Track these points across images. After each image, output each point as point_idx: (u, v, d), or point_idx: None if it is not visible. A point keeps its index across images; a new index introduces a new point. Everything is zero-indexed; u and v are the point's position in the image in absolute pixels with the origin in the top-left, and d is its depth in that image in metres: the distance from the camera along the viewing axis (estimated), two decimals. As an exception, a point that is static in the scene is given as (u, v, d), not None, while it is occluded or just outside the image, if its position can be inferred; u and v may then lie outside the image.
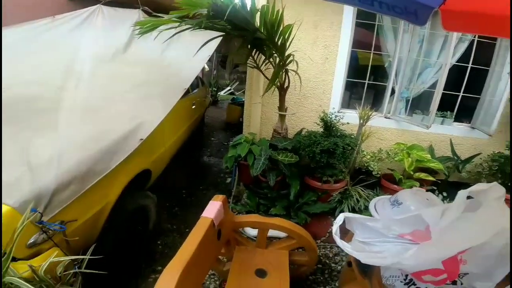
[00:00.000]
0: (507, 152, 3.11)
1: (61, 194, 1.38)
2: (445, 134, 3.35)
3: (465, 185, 1.10)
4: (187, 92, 2.59)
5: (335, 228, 1.19)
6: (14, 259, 1.24)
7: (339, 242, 1.13)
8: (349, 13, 3.04)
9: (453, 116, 3.35)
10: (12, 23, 2.64)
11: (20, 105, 1.81)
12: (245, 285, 1.65)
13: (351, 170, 3.07)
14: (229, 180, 3.80)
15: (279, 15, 2.17)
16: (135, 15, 3.04)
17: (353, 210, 2.77)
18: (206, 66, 8.74)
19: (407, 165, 2.83)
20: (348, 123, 3.08)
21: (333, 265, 2.33)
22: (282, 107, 2.81)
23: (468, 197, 1.02)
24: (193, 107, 3.84)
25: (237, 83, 10.40)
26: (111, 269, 1.55)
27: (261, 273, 1.74)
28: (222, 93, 9.57)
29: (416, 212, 1.09)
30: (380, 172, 3.01)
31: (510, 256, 0.95)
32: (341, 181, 2.89)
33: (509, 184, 2.83)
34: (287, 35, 2.34)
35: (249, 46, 2.47)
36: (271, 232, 1.91)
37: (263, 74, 2.75)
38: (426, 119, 3.09)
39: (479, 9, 1.41)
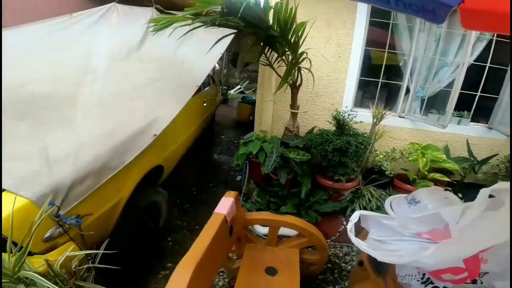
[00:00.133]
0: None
1: (77, 188, 1.40)
2: (461, 134, 3.27)
3: (481, 186, 1.07)
4: (198, 90, 2.61)
5: (350, 225, 1.18)
6: (30, 254, 1.23)
7: (354, 239, 1.12)
8: (363, 12, 3.01)
9: (470, 116, 3.26)
10: (32, 20, 2.70)
11: (38, 101, 1.85)
12: (255, 282, 1.64)
13: (363, 169, 3.03)
14: (239, 178, 3.81)
15: (293, 12, 2.16)
16: (149, 13, 3.08)
17: (365, 210, 2.72)
18: (217, 65, 8.77)
19: (422, 165, 2.77)
20: (361, 121, 3.04)
21: (343, 264, 2.31)
22: (294, 105, 2.79)
23: (490, 196, 0.99)
24: (204, 104, 3.86)
25: (247, 82, 10.41)
26: (123, 265, 1.57)
27: (271, 271, 1.73)
28: (232, 91, 9.59)
29: (434, 210, 1.07)
30: (393, 172, 2.96)
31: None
32: (353, 180, 2.85)
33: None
34: (300, 32, 2.32)
35: (261, 44, 2.47)
36: (281, 231, 1.91)
37: (276, 72, 2.74)
38: (442, 118, 3.03)
39: (499, 8, 1.38)
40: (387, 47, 3.19)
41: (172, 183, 2.88)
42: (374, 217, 1.19)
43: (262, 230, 2.36)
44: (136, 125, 1.86)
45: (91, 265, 1.42)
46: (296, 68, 2.54)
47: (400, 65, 3.32)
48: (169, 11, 2.42)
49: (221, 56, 2.88)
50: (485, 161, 3.09)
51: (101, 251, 1.44)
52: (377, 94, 3.36)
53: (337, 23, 3.07)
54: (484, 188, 0.98)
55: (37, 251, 1.33)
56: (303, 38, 2.39)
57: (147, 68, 2.56)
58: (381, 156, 2.99)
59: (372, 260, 1.33)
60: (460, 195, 2.79)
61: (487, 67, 3.04)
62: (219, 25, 2.17)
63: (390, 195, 2.82)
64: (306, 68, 2.55)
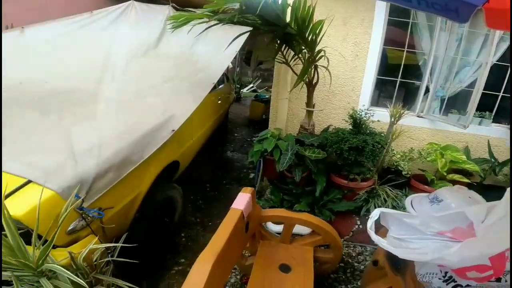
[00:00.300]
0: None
1: (100, 181, 1.44)
2: (482, 135, 3.18)
3: (501, 188, 1.05)
4: (213, 88, 2.64)
5: (370, 223, 1.17)
6: (53, 246, 1.21)
7: (375, 237, 1.11)
8: (381, 10, 2.97)
9: (492, 117, 3.17)
10: (55, 17, 2.79)
11: (62, 96, 1.92)
12: (268, 279, 1.65)
13: (379, 169, 2.98)
14: (252, 175, 3.82)
15: (311, 10, 2.14)
16: (165, 10, 3.13)
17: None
18: (230, 63, 8.81)
19: (441, 165, 2.71)
20: (378, 120, 3.00)
21: (356, 264, 2.29)
22: (310, 103, 2.77)
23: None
24: (219, 102, 3.89)
25: (260, 80, 10.41)
26: (139, 259, 1.58)
27: (285, 268, 1.74)
28: (245, 90, 9.62)
29: (458, 209, 1.05)
30: (410, 172, 2.91)
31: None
32: (368, 179, 2.81)
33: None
34: (318, 30, 2.30)
35: (278, 42, 2.47)
36: (294, 230, 1.90)
37: (292, 69, 2.73)
38: (463, 119, 2.95)
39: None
40: (406, 46, 3.13)
41: (186, 179, 2.92)
42: (395, 215, 1.18)
43: (275, 228, 2.36)
44: (155, 121, 1.90)
45: (110, 258, 1.42)
46: (313, 66, 2.52)
47: (419, 64, 3.25)
48: (186, 9, 2.45)
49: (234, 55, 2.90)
50: (506, 162, 2.99)
51: (120, 244, 1.44)
52: (395, 93, 3.31)
53: (354, 21, 3.04)
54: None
55: (60, 244, 1.33)
56: (320, 36, 2.37)
57: (164, 65, 2.61)
58: (398, 156, 2.94)
59: (390, 258, 1.32)
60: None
61: (510, 67, 2.94)
62: (237, 23, 2.17)
63: (406, 195, 2.77)
64: (323, 66, 2.54)
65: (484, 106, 3.11)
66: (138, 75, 2.36)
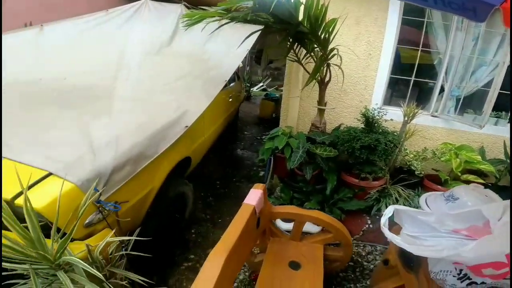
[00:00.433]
0: None
1: (117, 175, 1.48)
2: (498, 135, 3.10)
3: None
4: (225, 86, 2.67)
5: (384, 219, 1.16)
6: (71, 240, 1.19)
7: (388, 233, 1.11)
8: (395, 10, 2.95)
9: (508, 117, 3.09)
10: (72, 16, 2.86)
11: (80, 92, 1.97)
12: (278, 275, 1.66)
13: (392, 168, 2.95)
14: (262, 173, 3.83)
15: (324, 9, 2.14)
16: (178, 9, 3.18)
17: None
18: (240, 62, 8.83)
19: (455, 166, 2.66)
20: (391, 119, 2.97)
21: (365, 263, 2.28)
22: (321, 101, 2.77)
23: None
24: (230, 100, 3.92)
25: (270, 79, 10.40)
26: (151, 254, 1.59)
27: (294, 265, 1.74)
28: (254, 89, 9.63)
29: (474, 207, 1.04)
30: (423, 172, 2.87)
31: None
32: (380, 178, 2.79)
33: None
34: (330, 29, 2.29)
35: (290, 40, 2.47)
36: (303, 228, 1.90)
37: (304, 68, 2.73)
38: (478, 118, 2.90)
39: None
40: (420, 46, 3.09)
41: (197, 176, 2.95)
42: (409, 212, 1.17)
43: (284, 226, 2.37)
44: (168, 117, 1.93)
45: (124, 252, 1.44)
46: (325, 64, 2.52)
47: (434, 63, 3.21)
48: (198, 7, 2.49)
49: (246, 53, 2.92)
50: (522, 164, 2.91)
51: (135, 237, 1.46)
52: (409, 93, 3.27)
53: (367, 20, 3.02)
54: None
55: (77, 237, 1.34)
56: (333, 34, 2.36)
57: (177, 63, 2.65)
58: (411, 155, 2.90)
59: (403, 256, 1.31)
60: (495, 198, 2.66)
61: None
62: (249, 21, 2.19)
63: (419, 195, 2.74)
64: (336, 65, 2.52)
65: (501, 106, 3.05)
66: (152, 73, 2.40)
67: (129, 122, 1.76)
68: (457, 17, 2.81)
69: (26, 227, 1.12)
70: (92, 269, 1.12)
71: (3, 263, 1.11)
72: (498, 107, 3.01)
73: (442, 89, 3.19)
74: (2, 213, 1.09)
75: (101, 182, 1.39)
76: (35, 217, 1.13)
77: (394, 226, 1.30)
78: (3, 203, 1.10)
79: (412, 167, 2.84)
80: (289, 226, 2.12)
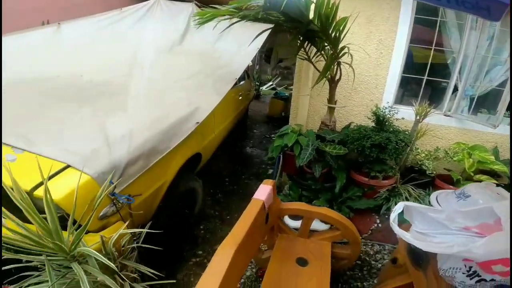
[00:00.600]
0: None
1: (131, 168, 1.52)
2: (512, 135, 3.03)
3: None
4: (234, 84, 2.70)
5: (394, 216, 1.16)
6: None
7: (398, 230, 1.11)
8: (407, 9, 2.91)
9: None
10: (87, 14, 2.94)
11: (96, 88, 2.03)
12: (285, 271, 1.67)
13: (402, 167, 2.92)
14: (270, 171, 3.85)
15: (334, 7, 2.14)
16: (189, 7, 3.23)
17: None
18: (250, 61, 8.84)
19: (468, 166, 2.62)
20: (403, 118, 2.94)
21: (373, 262, 2.28)
22: (331, 99, 2.76)
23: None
24: (240, 98, 3.95)
25: (279, 78, 10.38)
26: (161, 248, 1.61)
27: (302, 262, 1.75)
28: (264, 88, 9.64)
29: (486, 205, 1.03)
30: (434, 172, 2.83)
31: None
32: (390, 177, 2.76)
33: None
34: (341, 27, 2.29)
35: (301, 38, 2.47)
36: (311, 226, 1.91)
37: (314, 66, 2.73)
38: (492, 118, 2.84)
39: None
40: (434, 45, 3.04)
41: (207, 173, 2.98)
42: (419, 208, 1.17)
43: (292, 223, 2.38)
44: (180, 113, 1.97)
45: (136, 244, 1.46)
46: (336, 62, 2.51)
47: (447, 63, 3.15)
48: (210, 5, 2.52)
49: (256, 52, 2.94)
50: (537, 164, 2.84)
51: (147, 230, 1.48)
52: (421, 92, 3.23)
53: (379, 19, 3.00)
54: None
55: (92, 229, 1.37)
56: (344, 33, 2.36)
57: (189, 61, 2.69)
58: (423, 154, 2.87)
59: (411, 253, 1.31)
60: (508, 199, 2.60)
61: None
62: (260, 20, 2.20)
63: (429, 195, 2.70)
64: (347, 63, 2.51)
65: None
66: (164, 70, 2.45)
67: (143, 117, 1.81)
68: (472, 16, 2.76)
69: (45, 218, 1.15)
70: (106, 260, 1.13)
71: (19, 255, 1.14)
72: (512, 107, 2.95)
73: (455, 89, 3.14)
74: (23, 204, 1.13)
75: (116, 175, 1.43)
76: (54, 208, 1.16)
77: (403, 224, 1.30)
78: (24, 194, 1.15)
79: (424, 167, 2.80)
80: (297, 223, 2.13)
